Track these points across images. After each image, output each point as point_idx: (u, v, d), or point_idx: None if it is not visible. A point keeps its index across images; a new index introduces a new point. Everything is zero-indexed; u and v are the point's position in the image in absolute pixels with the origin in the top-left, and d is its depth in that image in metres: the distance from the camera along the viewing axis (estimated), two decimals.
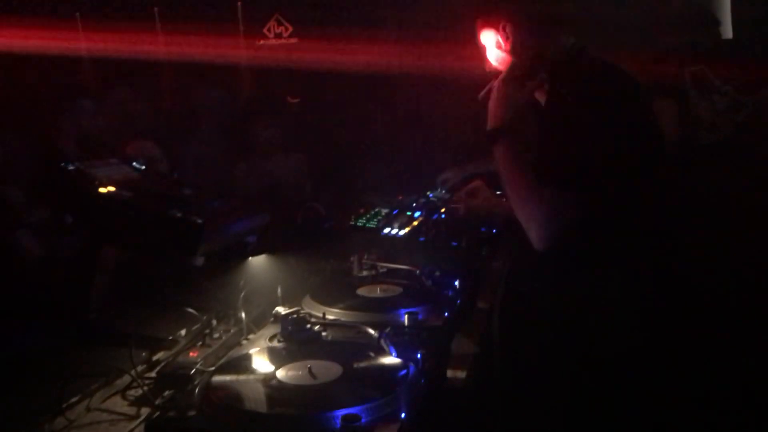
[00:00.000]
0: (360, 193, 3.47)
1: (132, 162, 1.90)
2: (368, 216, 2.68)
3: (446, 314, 1.74)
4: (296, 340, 1.56)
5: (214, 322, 1.64)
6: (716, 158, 2.57)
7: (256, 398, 1.28)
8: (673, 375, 1.60)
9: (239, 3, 10.09)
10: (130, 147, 3.20)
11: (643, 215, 1.68)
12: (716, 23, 2.93)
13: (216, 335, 1.60)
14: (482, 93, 1.85)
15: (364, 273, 2.11)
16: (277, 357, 1.46)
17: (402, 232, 2.48)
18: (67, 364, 1.49)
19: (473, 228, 2.50)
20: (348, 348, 1.52)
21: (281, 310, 1.69)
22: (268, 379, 1.35)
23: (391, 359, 1.43)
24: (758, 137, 2.66)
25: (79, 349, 1.61)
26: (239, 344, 1.61)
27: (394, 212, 2.74)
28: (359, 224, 2.61)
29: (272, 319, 1.71)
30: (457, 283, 1.95)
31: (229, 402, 1.26)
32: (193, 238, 1.57)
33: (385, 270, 2.15)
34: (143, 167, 1.90)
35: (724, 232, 2.06)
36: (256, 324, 1.70)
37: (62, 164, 1.70)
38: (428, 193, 3.26)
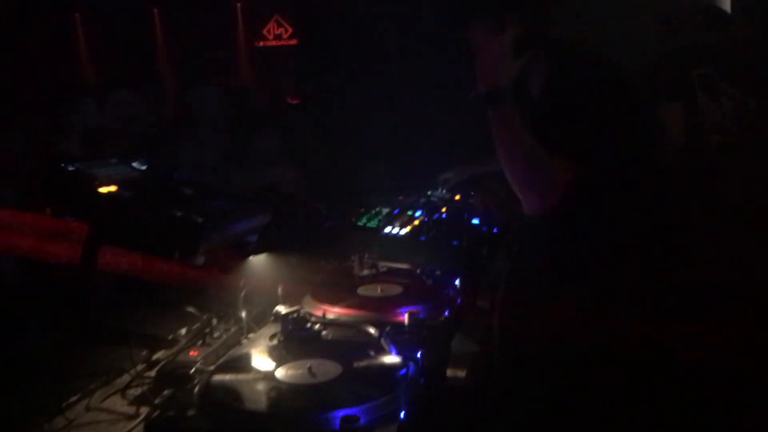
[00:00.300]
0: (361, 192, 3.47)
1: (132, 161, 1.90)
2: (369, 215, 2.68)
3: (446, 313, 1.74)
4: (296, 340, 1.56)
5: (215, 321, 1.64)
6: (724, 160, 2.57)
7: (255, 398, 1.28)
8: (674, 374, 1.60)
9: (239, 4, 10.10)
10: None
11: (645, 211, 1.68)
12: (725, 23, 2.93)
13: (216, 334, 1.60)
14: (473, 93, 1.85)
15: (365, 272, 2.11)
16: (277, 356, 1.46)
17: (402, 232, 2.48)
18: (66, 364, 1.49)
19: (473, 228, 2.51)
20: (348, 347, 1.52)
21: (281, 309, 1.69)
22: (268, 378, 1.35)
23: (391, 358, 1.43)
24: (764, 138, 2.66)
25: (78, 348, 1.60)
26: (239, 343, 1.61)
27: (395, 212, 2.74)
28: (360, 224, 2.61)
29: (272, 318, 1.70)
30: (457, 282, 1.95)
31: (228, 401, 1.26)
32: (193, 238, 1.57)
33: (385, 269, 2.15)
34: (143, 167, 1.90)
35: (730, 234, 2.05)
36: (257, 323, 1.70)
37: (62, 164, 1.70)
38: (429, 192, 3.26)
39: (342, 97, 5.35)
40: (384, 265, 2.17)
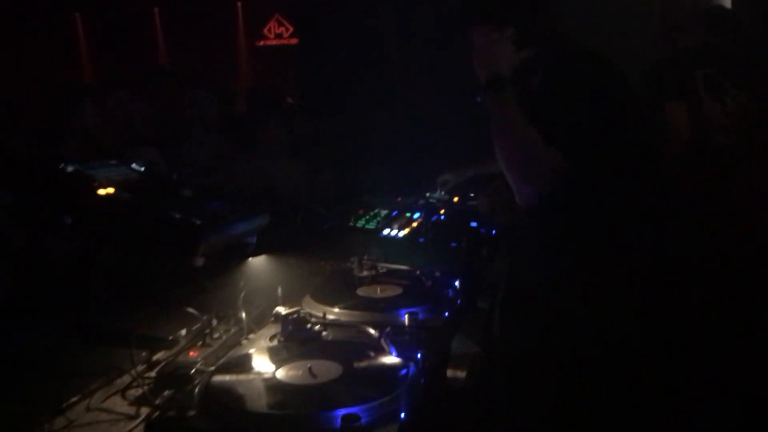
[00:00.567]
0: (360, 194, 3.47)
1: (131, 163, 1.90)
2: (368, 217, 2.68)
3: (446, 314, 1.74)
4: (296, 340, 1.56)
5: (215, 321, 1.64)
6: (727, 160, 2.57)
7: (256, 398, 1.28)
8: (675, 373, 1.60)
9: (239, 3, 10.10)
10: (132, 154, 3.21)
11: (645, 211, 1.68)
12: (728, 24, 2.94)
13: (216, 335, 1.60)
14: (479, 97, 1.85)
15: (365, 273, 2.11)
16: (278, 357, 1.46)
17: (401, 233, 2.48)
18: (67, 364, 1.49)
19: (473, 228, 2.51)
20: (348, 348, 1.52)
21: (281, 310, 1.69)
22: (268, 378, 1.35)
23: (391, 359, 1.43)
24: (766, 139, 2.66)
25: (78, 348, 1.60)
26: (239, 344, 1.61)
27: (394, 213, 2.75)
28: (359, 225, 2.61)
29: (272, 318, 1.71)
30: (457, 283, 1.95)
31: (229, 402, 1.26)
32: (193, 239, 1.57)
33: (385, 270, 2.16)
34: (143, 168, 1.90)
35: (731, 234, 2.05)
36: (257, 324, 1.70)
37: (61, 165, 1.70)
38: (427, 194, 3.27)
39: (342, 98, 5.35)
40: (383, 266, 2.18)
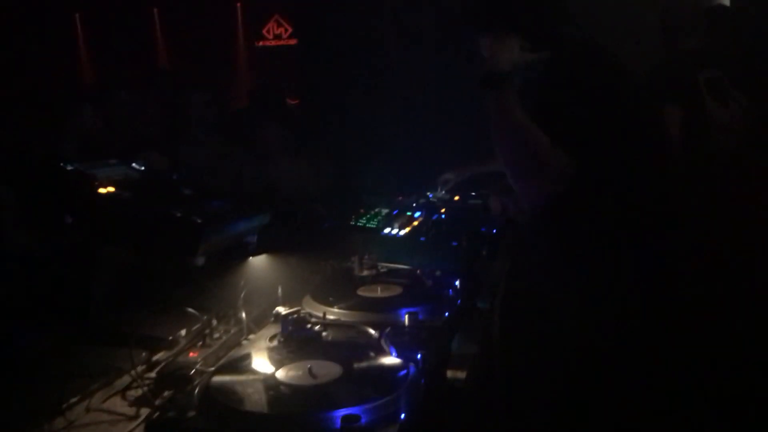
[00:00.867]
0: (360, 193, 3.47)
1: (132, 162, 1.90)
2: (368, 216, 2.68)
3: (446, 314, 1.74)
4: (296, 340, 1.55)
5: (215, 322, 1.64)
6: (730, 163, 2.57)
7: (256, 398, 1.28)
8: (676, 375, 1.60)
9: (239, 4, 10.10)
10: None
11: (648, 211, 1.68)
12: (728, 23, 2.93)
13: (216, 335, 1.60)
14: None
15: (365, 272, 2.11)
16: (277, 357, 1.46)
17: (402, 232, 2.48)
18: (66, 364, 1.48)
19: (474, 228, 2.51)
20: (348, 348, 1.52)
21: (281, 309, 1.68)
22: (268, 379, 1.35)
23: (391, 359, 1.43)
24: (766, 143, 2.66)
25: (79, 349, 1.60)
26: (239, 344, 1.61)
27: (395, 212, 2.74)
28: (359, 224, 2.61)
29: (272, 319, 1.70)
30: (457, 283, 1.95)
31: (228, 402, 1.25)
32: (193, 238, 1.57)
33: (385, 270, 2.15)
34: (143, 167, 1.90)
35: (733, 235, 2.05)
36: (257, 324, 1.70)
37: (61, 164, 1.70)
38: (428, 193, 3.27)
39: (341, 98, 5.35)
40: (384, 265, 2.17)
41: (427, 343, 1.51)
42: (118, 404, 1.37)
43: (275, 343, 1.57)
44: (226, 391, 1.30)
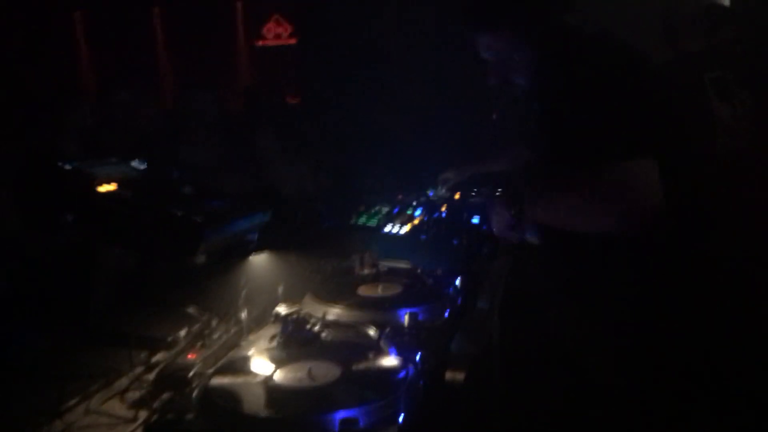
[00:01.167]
0: (360, 191, 3.47)
1: (131, 161, 1.89)
2: (369, 214, 2.67)
3: (446, 314, 1.73)
4: (296, 341, 1.55)
5: (214, 322, 1.64)
6: (735, 164, 2.56)
7: (254, 400, 1.28)
8: (678, 377, 1.59)
9: (239, 3, 10.09)
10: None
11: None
12: (729, 21, 2.92)
13: (216, 336, 1.60)
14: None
15: (366, 271, 2.11)
16: (277, 358, 1.46)
17: (402, 231, 2.48)
18: (65, 366, 1.48)
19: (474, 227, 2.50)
20: (347, 349, 1.51)
21: (282, 309, 1.68)
22: (267, 381, 1.35)
23: (390, 361, 1.43)
24: None
25: (78, 349, 1.60)
26: (239, 345, 1.60)
27: (395, 211, 2.74)
28: (360, 223, 2.60)
29: (272, 319, 1.70)
30: (457, 281, 1.95)
31: (227, 404, 1.25)
32: (193, 238, 1.56)
33: (386, 268, 2.15)
34: (142, 167, 1.90)
35: (737, 238, 2.04)
36: (257, 323, 1.69)
37: (60, 163, 1.69)
38: (428, 192, 3.26)
39: (341, 97, 5.35)
40: (384, 264, 2.17)
41: (427, 344, 1.50)
42: (116, 406, 1.37)
43: (275, 343, 1.57)
44: (224, 393, 1.30)
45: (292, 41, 9.56)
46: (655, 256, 1.55)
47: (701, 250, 1.55)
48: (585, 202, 1.53)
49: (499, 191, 3.20)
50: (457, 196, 3.21)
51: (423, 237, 2.44)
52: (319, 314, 1.73)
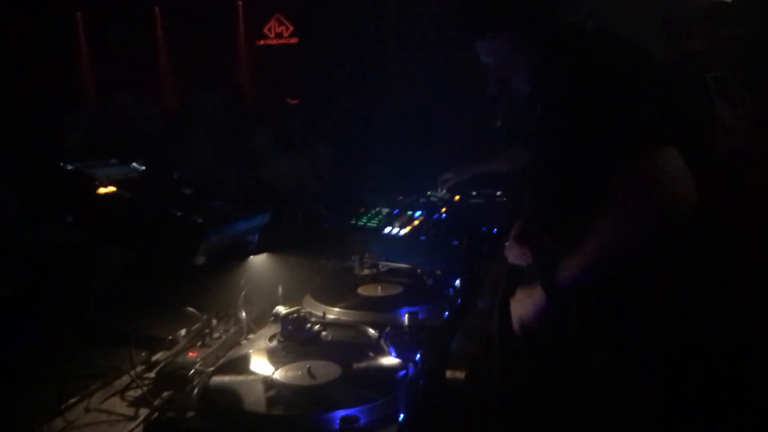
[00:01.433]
0: (361, 192, 3.47)
1: (131, 162, 1.90)
2: (369, 215, 2.68)
3: (446, 314, 1.73)
4: (296, 340, 1.55)
5: (214, 321, 1.64)
6: (736, 164, 2.56)
7: (254, 399, 1.28)
8: (677, 376, 1.59)
9: (239, 3, 10.10)
10: None
11: None
12: (730, 19, 2.92)
13: (216, 335, 1.60)
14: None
15: (365, 272, 2.11)
16: (277, 357, 1.46)
17: (403, 232, 2.48)
18: (66, 365, 1.48)
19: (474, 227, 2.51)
20: (347, 348, 1.52)
21: (281, 309, 1.68)
22: (267, 379, 1.35)
23: (390, 360, 1.43)
24: None
25: (78, 349, 1.60)
26: (239, 344, 1.60)
27: (395, 212, 2.74)
28: (360, 224, 2.61)
29: (272, 318, 1.70)
30: (457, 282, 1.95)
31: (227, 403, 1.25)
32: (193, 238, 1.57)
33: (386, 269, 2.15)
34: (143, 167, 1.90)
35: (738, 237, 2.03)
36: (257, 323, 1.70)
37: (61, 164, 1.70)
38: (428, 192, 3.27)
39: (342, 97, 5.35)
40: (384, 264, 2.17)
41: (427, 343, 1.50)
42: (117, 405, 1.37)
43: (275, 343, 1.58)
44: (225, 391, 1.30)
45: (294, 40, 9.57)
46: (655, 255, 1.54)
47: (701, 250, 1.54)
48: (625, 216, 1.47)
49: (498, 193, 3.22)
50: (457, 198, 3.22)
51: (423, 238, 2.45)
52: (319, 314, 1.73)
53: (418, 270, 2.09)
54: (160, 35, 10.28)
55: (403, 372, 1.36)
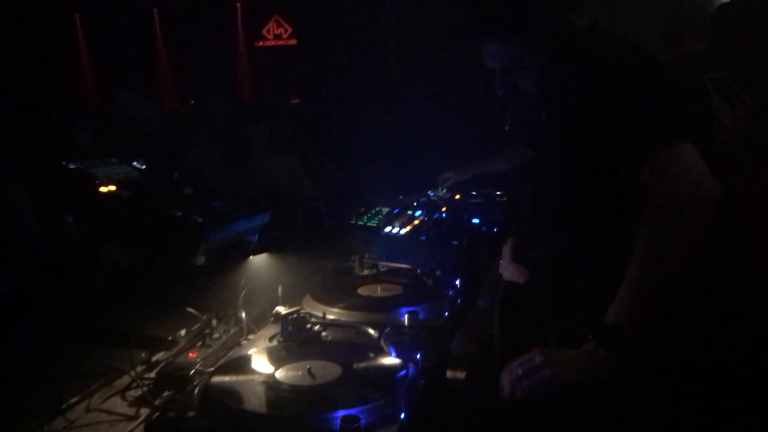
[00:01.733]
0: (361, 192, 3.47)
1: (132, 162, 1.90)
2: (369, 215, 2.68)
3: (446, 314, 1.73)
4: (296, 340, 1.55)
5: (214, 322, 1.64)
6: (734, 164, 2.56)
7: (255, 399, 1.28)
8: (677, 373, 1.59)
9: (239, 4, 10.10)
10: None
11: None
12: (736, 21, 2.92)
13: (216, 335, 1.60)
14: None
15: (365, 272, 2.11)
16: (277, 357, 1.46)
17: (403, 231, 2.48)
18: (66, 365, 1.48)
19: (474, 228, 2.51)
20: (348, 348, 1.52)
21: (281, 309, 1.68)
22: (268, 379, 1.35)
23: (390, 360, 1.43)
24: None
25: (78, 349, 1.60)
26: (239, 344, 1.60)
27: (395, 211, 2.74)
28: (360, 223, 2.61)
29: (272, 318, 1.70)
30: (457, 282, 1.95)
31: (228, 403, 1.25)
32: (193, 238, 1.57)
33: (386, 269, 2.15)
34: (143, 167, 1.90)
35: (739, 237, 2.03)
36: (257, 324, 1.70)
37: (62, 163, 1.70)
38: (429, 192, 3.27)
39: (342, 97, 5.35)
40: (384, 264, 2.17)
41: (427, 343, 1.50)
42: (117, 404, 1.37)
43: (275, 343, 1.58)
44: (225, 391, 1.30)
45: (292, 42, 9.57)
46: None
47: (701, 250, 1.54)
48: (661, 218, 1.44)
49: (498, 193, 3.22)
50: (457, 197, 3.22)
51: (423, 238, 2.45)
52: (319, 314, 1.73)
53: (418, 270, 2.09)
54: (159, 36, 10.29)
55: (403, 372, 1.36)
